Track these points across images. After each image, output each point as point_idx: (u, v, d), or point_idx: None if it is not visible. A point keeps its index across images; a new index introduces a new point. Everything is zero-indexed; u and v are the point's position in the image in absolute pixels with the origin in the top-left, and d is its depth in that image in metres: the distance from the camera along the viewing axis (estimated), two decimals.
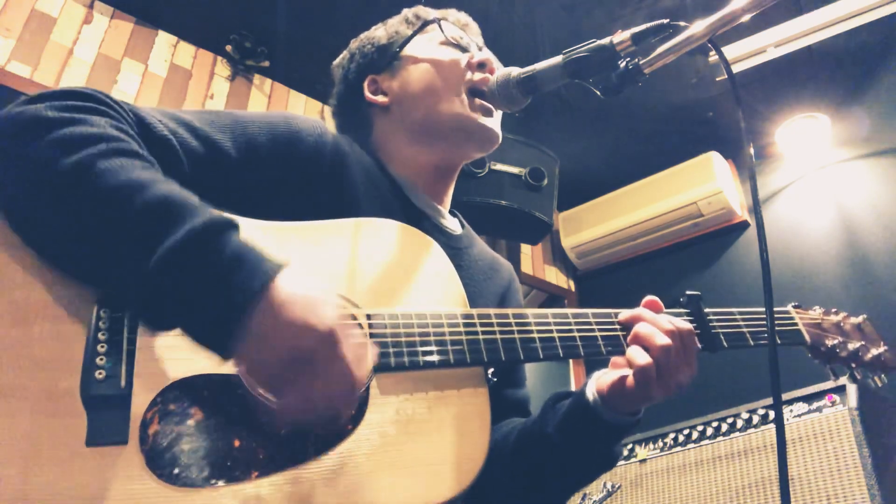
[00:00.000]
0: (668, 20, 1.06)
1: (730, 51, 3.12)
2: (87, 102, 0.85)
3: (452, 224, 1.29)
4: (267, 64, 3.20)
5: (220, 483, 0.74)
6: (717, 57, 1.04)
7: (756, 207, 1.02)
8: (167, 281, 0.71)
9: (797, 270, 3.35)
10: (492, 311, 0.99)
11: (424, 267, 0.99)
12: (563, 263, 4.22)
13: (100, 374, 0.73)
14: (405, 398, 0.86)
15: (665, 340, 0.97)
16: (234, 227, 0.76)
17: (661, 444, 2.49)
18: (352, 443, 0.80)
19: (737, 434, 2.30)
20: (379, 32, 1.31)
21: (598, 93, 1.12)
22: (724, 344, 1.11)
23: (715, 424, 2.37)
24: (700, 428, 2.41)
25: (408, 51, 1.26)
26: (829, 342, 1.25)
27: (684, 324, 1.02)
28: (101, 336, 0.76)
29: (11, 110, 0.82)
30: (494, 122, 1.24)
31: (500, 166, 3.26)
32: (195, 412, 0.76)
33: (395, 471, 0.80)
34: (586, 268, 4.17)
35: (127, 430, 0.72)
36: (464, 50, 1.26)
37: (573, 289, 4.19)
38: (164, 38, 3.07)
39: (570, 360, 3.78)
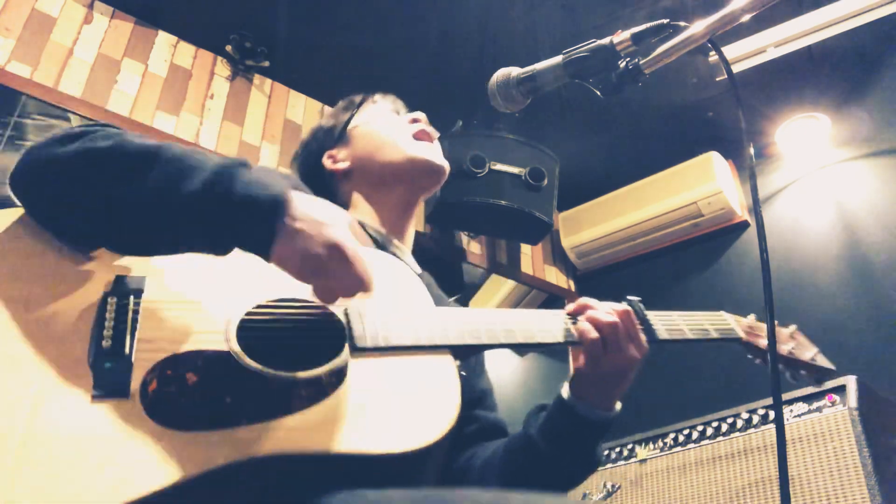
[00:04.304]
0: (668, 20, 1.07)
1: (730, 51, 3.12)
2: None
3: (413, 264, 1.39)
4: (267, 64, 3.20)
5: (214, 429, 0.82)
6: (717, 57, 1.04)
7: (756, 207, 1.02)
8: (221, 198, 0.83)
9: (797, 270, 3.34)
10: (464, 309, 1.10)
11: (405, 292, 1.08)
12: (563, 263, 4.22)
13: (106, 343, 0.83)
14: (384, 363, 0.96)
15: (611, 318, 1.13)
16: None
17: (661, 444, 2.49)
18: (335, 398, 0.89)
19: (737, 434, 2.30)
20: (325, 121, 1.57)
21: (598, 93, 1.13)
22: (665, 335, 1.22)
23: (715, 424, 2.37)
24: (700, 428, 2.41)
25: (354, 124, 1.50)
26: (763, 344, 1.33)
27: (621, 305, 1.18)
28: (106, 322, 0.86)
29: (44, 137, 0.93)
30: (437, 153, 1.43)
31: (500, 166, 3.26)
32: (190, 376, 0.86)
33: (376, 420, 0.88)
34: (586, 268, 4.17)
35: (129, 387, 0.81)
36: (397, 113, 1.51)
37: (573, 289, 4.18)
38: (164, 38, 3.07)
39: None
